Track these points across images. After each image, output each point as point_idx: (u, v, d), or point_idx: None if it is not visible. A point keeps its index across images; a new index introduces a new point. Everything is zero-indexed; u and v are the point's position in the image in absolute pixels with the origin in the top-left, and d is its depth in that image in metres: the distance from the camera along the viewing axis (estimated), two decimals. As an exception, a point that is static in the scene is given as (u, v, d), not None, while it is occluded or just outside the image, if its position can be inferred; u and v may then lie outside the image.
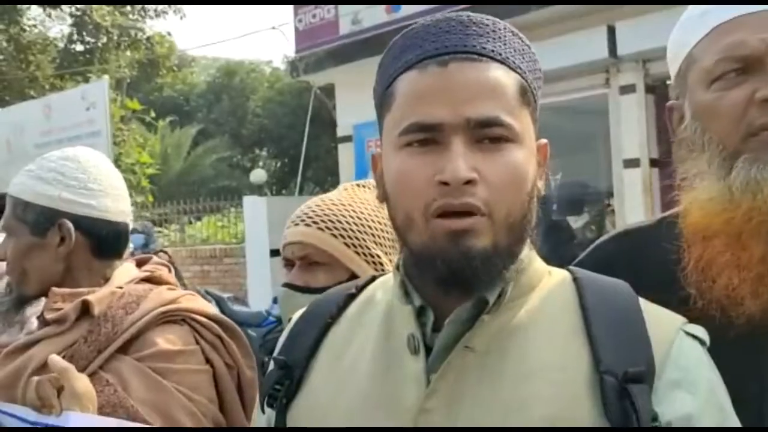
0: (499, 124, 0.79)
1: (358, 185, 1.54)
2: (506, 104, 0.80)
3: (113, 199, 1.42)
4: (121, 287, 1.37)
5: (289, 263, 1.45)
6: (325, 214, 1.43)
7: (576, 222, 7.80)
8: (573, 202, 7.72)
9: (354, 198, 1.49)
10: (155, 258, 1.52)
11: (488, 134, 0.79)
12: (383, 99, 0.87)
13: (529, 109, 0.84)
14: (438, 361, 0.80)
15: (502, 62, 0.82)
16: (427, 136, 0.80)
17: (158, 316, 1.32)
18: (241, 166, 22.38)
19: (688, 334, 0.82)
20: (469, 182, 0.77)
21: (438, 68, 0.81)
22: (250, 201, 9.74)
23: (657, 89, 6.64)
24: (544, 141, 0.88)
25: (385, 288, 0.93)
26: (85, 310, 1.32)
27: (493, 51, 0.82)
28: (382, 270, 1.43)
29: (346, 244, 1.41)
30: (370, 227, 1.46)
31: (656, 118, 6.69)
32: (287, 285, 1.40)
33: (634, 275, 1.03)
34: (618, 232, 1.19)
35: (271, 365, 0.93)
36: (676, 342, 0.80)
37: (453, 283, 0.79)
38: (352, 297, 0.95)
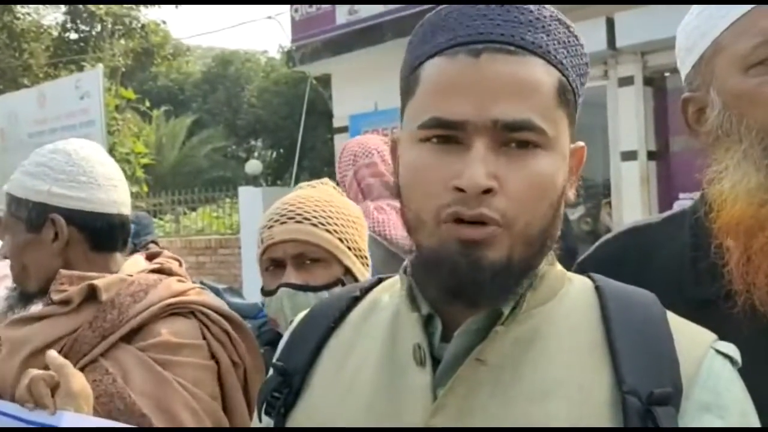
0: (529, 128, 0.72)
1: (322, 183, 1.51)
2: (541, 106, 0.72)
3: (105, 191, 1.39)
4: (131, 275, 1.35)
5: (275, 264, 1.38)
6: (314, 210, 1.38)
7: (572, 214, 7.78)
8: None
9: (330, 194, 1.45)
10: (166, 252, 1.50)
11: (515, 138, 0.72)
12: (408, 82, 0.79)
13: (568, 110, 0.76)
14: (446, 374, 0.74)
15: (542, 56, 0.74)
16: (448, 134, 0.73)
17: (165, 307, 1.30)
18: (236, 156, 22.31)
19: (718, 352, 0.75)
20: (487, 191, 0.70)
21: (468, 58, 0.73)
22: (245, 192, 9.71)
23: (655, 81, 6.62)
24: (581, 144, 0.80)
25: (391, 292, 0.86)
26: (93, 295, 1.29)
27: (533, 43, 0.74)
28: (369, 265, 1.41)
29: (339, 239, 1.38)
30: (353, 222, 1.42)
31: (654, 110, 6.68)
32: (288, 285, 1.34)
33: (645, 273, 1.00)
34: (626, 229, 1.15)
35: (270, 371, 0.88)
36: (706, 361, 0.74)
37: (458, 293, 0.73)
38: (356, 300, 0.89)
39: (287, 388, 0.84)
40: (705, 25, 1.00)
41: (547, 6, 0.78)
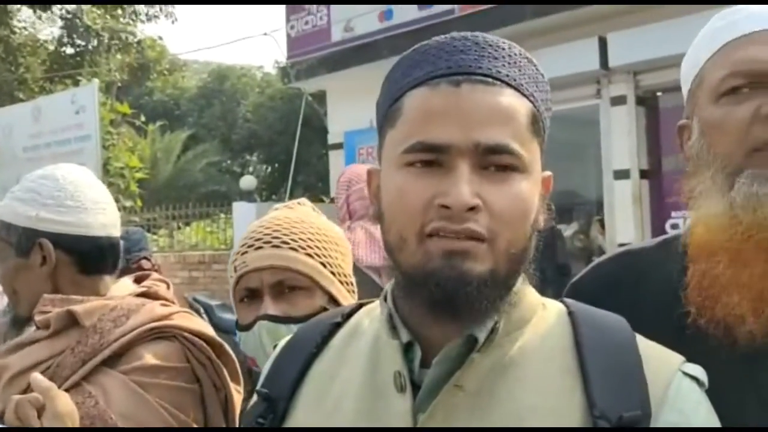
0: (508, 152, 0.76)
1: (300, 203, 1.40)
2: (517, 132, 0.77)
3: (93, 214, 1.40)
4: (113, 300, 1.36)
5: (251, 295, 1.26)
6: (293, 233, 1.27)
7: (565, 231, 7.83)
8: (562, 212, 7.75)
9: (309, 215, 1.35)
10: (154, 274, 1.51)
11: (496, 161, 0.76)
12: (388, 114, 0.83)
13: (539, 139, 0.81)
14: (426, 400, 0.76)
15: (515, 88, 0.79)
16: (432, 157, 0.76)
17: (147, 331, 1.30)
18: (231, 171, 22.32)
19: (686, 374, 0.78)
20: (472, 209, 0.74)
21: (450, 87, 0.77)
22: (239, 207, 9.71)
23: (647, 101, 6.68)
24: (548, 173, 0.84)
25: (371, 317, 0.88)
26: (75, 320, 1.30)
27: (507, 76, 0.79)
28: (355, 292, 1.32)
29: (322, 264, 1.27)
30: (336, 244, 1.31)
31: (646, 129, 6.73)
32: (267, 317, 1.21)
33: (639, 296, 1.02)
34: (620, 252, 1.17)
35: (255, 397, 0.89)
36: (674, 383, 0.76)
37: (445, 307, 0.75)
38: (337, 326, 0.91)
39: (272, 414, 0.85)
40: (694, 58, 1.05)
41: (515, 44, 0.83)
